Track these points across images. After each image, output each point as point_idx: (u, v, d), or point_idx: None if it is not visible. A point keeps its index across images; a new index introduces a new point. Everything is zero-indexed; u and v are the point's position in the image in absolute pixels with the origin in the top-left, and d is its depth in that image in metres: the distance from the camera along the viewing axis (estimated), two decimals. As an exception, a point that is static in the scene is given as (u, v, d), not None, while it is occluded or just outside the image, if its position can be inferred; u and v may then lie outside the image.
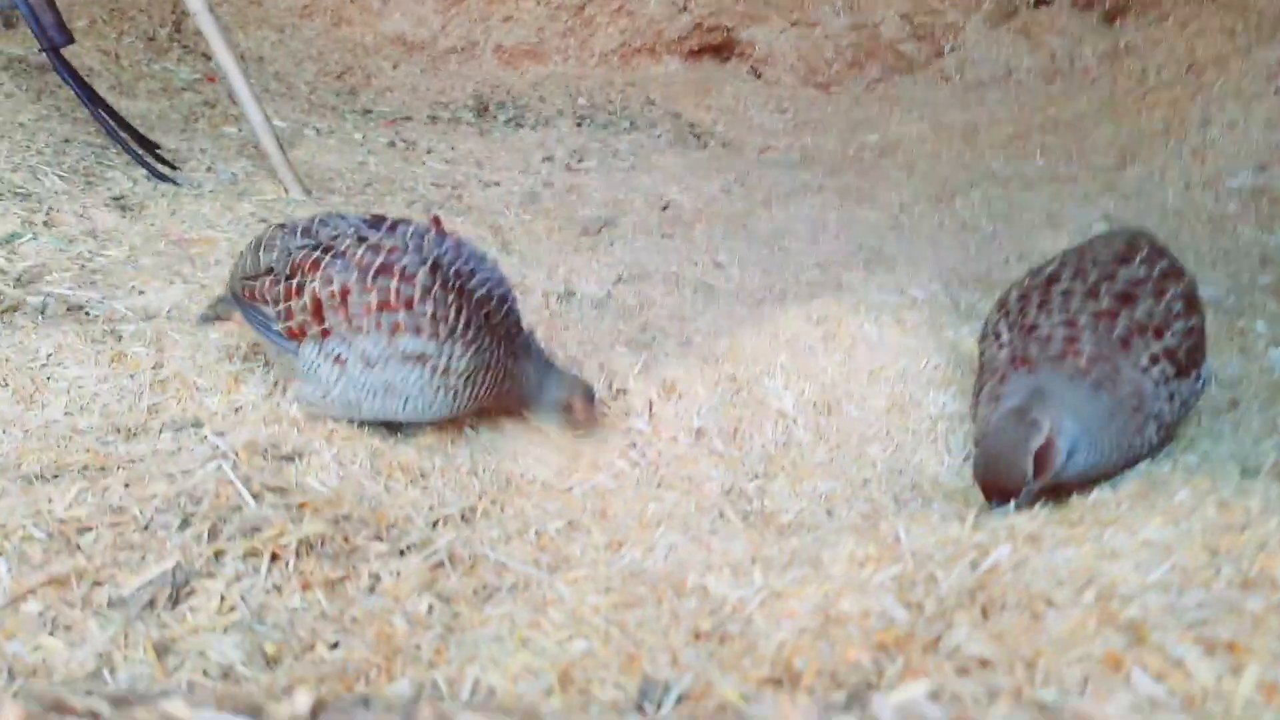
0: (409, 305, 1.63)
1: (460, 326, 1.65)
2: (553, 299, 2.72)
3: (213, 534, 1.18)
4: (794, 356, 1.84)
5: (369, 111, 5.05)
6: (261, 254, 1.81)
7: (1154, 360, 1.59)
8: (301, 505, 1.29)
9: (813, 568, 1.12)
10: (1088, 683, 0.82)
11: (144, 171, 3.54)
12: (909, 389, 1.81)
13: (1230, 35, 4.25)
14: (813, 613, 1.03)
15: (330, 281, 1.65)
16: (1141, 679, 0.81)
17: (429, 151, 4.49)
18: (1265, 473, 1.36)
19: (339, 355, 1.66)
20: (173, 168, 3.65)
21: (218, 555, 1.16)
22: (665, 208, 3.95)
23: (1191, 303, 1.71)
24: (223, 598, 1.12)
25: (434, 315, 1.63)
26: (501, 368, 1.71)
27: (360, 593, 1.19)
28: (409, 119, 4.99)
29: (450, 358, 1.64)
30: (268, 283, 1.75)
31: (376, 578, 1.23)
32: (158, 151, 3.69)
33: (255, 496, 1.28)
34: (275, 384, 1.87)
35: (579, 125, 4.99)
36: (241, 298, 1.83)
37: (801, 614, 1.04)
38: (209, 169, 3.80)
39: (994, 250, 3.52)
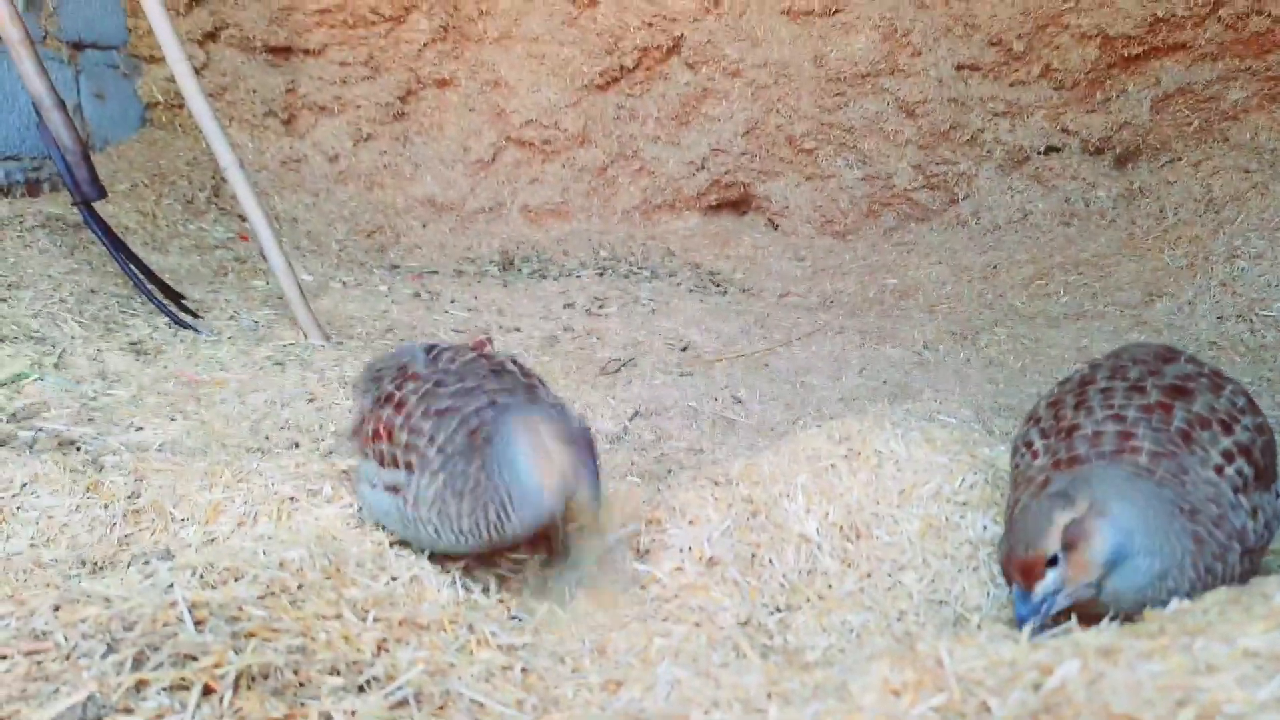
0: (389, 436, 1.62)
1: (429, 455, 1.56)
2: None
3: (138, 662, 1.02)
4: (816, 476, 1.68)
5: (396, 267, 5.18)
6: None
7: (1228, 458, 1.33)
8: (250, 634, 1.13)
9: (839, 699, 0.93)
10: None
11: (166, 319, 3.57)
12: (944, 510, 1.63)
13: (1245, 173, 4.26)
14: (840, 753, 0.83)
15: (364, 409, 1.75)
16: (1279, 822, 0.60)
17: (452, 301, 4.55)
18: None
19: (361, 473, 1.73)
20: (195, 315, 3.68)
21: (139, 687, 1.00)
22: (685, 348, 3.91)
23: (1253, 403, 1.48)
24: (139, 737, 0.95)
25: (407, 446, 1.59)
26: (478, 491, 1.51)
27: (305, 735, 1.01)
28: (435, 273, 5.10)
29: (419, 489, 1.55)
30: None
31: (327, 717, 1.05)
32: (182, 302, 3.75)
33: (199, 623, 1.12)
34: (252, 515, 1.75)
35: (600, 275, 5.07)
36: None
37: (826, 756, 0.84)
38: (231, 317, 3.85)
39: (1024, 384, 3.39)
